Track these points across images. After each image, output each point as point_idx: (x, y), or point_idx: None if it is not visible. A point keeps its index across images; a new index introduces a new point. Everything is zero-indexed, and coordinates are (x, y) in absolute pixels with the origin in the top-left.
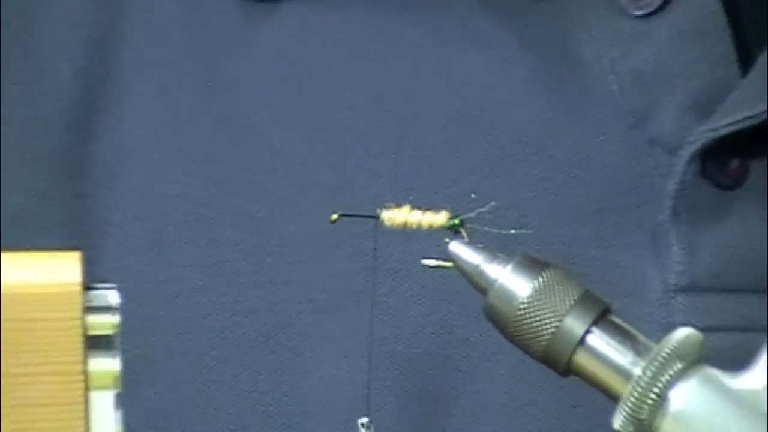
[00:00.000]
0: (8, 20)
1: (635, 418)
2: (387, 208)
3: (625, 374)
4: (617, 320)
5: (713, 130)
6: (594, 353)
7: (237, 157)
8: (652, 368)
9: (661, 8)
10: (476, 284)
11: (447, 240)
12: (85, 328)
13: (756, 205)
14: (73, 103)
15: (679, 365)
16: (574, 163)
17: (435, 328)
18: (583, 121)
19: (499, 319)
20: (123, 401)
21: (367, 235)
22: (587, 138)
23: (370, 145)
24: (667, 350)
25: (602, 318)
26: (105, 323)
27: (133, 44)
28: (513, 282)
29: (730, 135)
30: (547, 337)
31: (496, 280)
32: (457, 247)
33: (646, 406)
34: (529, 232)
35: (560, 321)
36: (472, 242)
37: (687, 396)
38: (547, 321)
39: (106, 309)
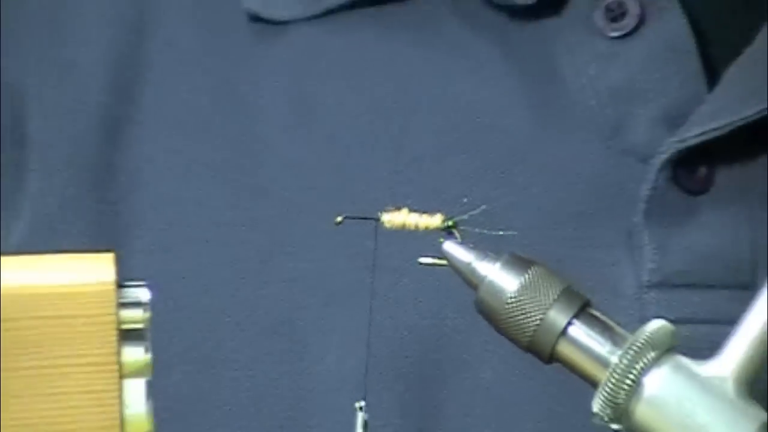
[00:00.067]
0: (45, 44)
1: (612, 401)
2: (387, 211)
3: (603, 362)
4: (596, 313)
5: (682, 140)
6: (575, 343)
7: (250, 166)
8: (628, 356)
9: (634, 30)
10: (468, 280)
11: (441, 240)
12: (118, 322)
13: (722, 209)
14: (102, 117)
15: (653, 354)
16: (555, 170)
17: (430, 320)
18: (563, 133)
19: (489, 312)
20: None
21: (368, 236)
22: (567, 148)
23: (371, 154)
24: (641, 340)
25: (582, 311)
26: (137, 317)
27: (156, 64)
28: (501, 278)
29: (698, 145)
30: (532, 328)
31: (486, 277)
32: (450, 247)
33: (622, 391)
34: (516, 233)
35: (544, 314)
36: (464, 242)
37: (660, 382)
38: (532, 314)
39: (138, 304)
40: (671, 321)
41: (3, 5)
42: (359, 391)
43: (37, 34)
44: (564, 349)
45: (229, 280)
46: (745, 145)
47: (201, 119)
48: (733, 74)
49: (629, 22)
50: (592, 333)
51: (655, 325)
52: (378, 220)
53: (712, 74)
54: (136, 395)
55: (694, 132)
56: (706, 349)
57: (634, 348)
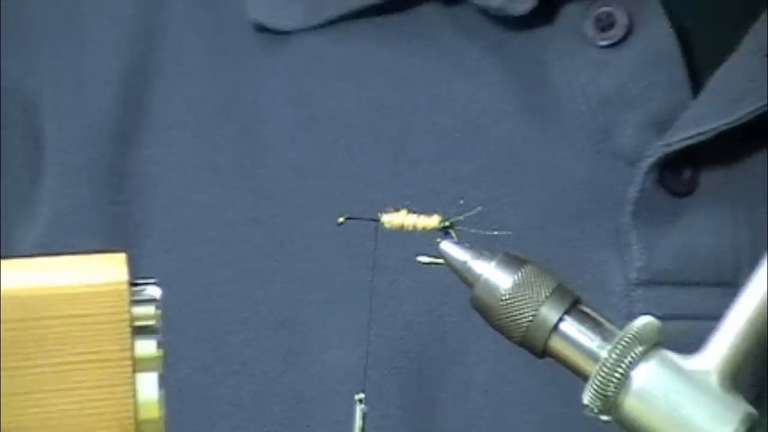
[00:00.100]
0: (60, 55)
1: (602, 394)
2: (386, 212)
3: (593, 356)
4: (586, 309)
5: (668, 144)
6: (566, 338)
7: (255, 169)
8: (617, 351)
9: (623, 40)
10: (464, 278)
11: (438, 240)
12: (131, 319)
13: (706, 210)
14: (114, 122)
15: (640, 348)
16: (548, 173)
17: (428, 316)
18: (555, 137)
19: (484, 309)
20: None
21: (368, 236)
22: (559, 152)
23: (371, 158)
24: (629, 335)
25: (573, 308)
26: (149, 314)
27: (166, 72)
28: (496, 276)
29: (683, 149)
30: (525, 324)
31: (481, 275)
32: (447, 246)
33: (611, 384)
34: (509, 233)
35: (537, 310)
36: (461, 242)
37: (647, 375)
38: (525, 310)
39: (150, 301)
40: (658, 317)
41: (20, 19)
42: (359, 385)
43: (52, 46)
44: (556, 344)
45: (234, 279)
46: (728, 149)
47: (208, 125)
48: (716, 82)
49: (618, 32)
50: (582, 328)
51: (643, 321)
52: (378, 220)
53: (697, 82)
54: (148, 388)
55: (679, 137)
56: (691, 344)
57: (623, 343)
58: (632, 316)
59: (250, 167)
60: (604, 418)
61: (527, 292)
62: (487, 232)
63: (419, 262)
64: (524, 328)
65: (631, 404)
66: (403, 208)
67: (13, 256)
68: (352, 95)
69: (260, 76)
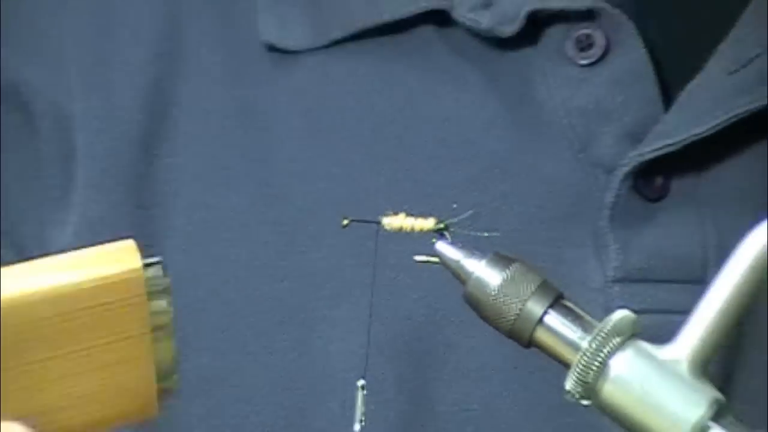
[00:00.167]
0: (89, 71)
1: (583, 381)
2: (386, 215)
3: (574, 346)
4: (568, 304)
5: (641, 155)
6: (550, 330)
7: (267, 176)
8: (596, 342)
9: (600, 59)
10: (457, 276)
11: (434, 240)
12: (148, 294)
13: (676, 214)
14: (139, 133)
15: (617, 339)
16: (532, 180)
17: (424, 310)
18: (539, 147)
19: (475, 303)
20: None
21: (370, 237)
22: (543, 160)
23: (373, 166)
24: (607, 328)
25: (556, 302)
26: (159, 282)
27: (186, 87)
28: (486, 274)
29: (655, 158)
30: (513, 317)
31: (473, 273)
32: (442, 246)
33: (591, 372)
34: (498, 234)
35: (523, 305)
36: (454, 242)
37: (624, 364)
38: (513, 305)
39: (159, 277)
40: (633, 311)
41: (54, 43)
42: (361, 372)
43: (83, 66)
44: (541, 335)
45: (248, 276)
46: (696, 158)
47: (225, 135)
48: (685, 97)
49: (596, 51)
50: (565, 321)
51: (619, 314)
52: (379, 223)
53: (667, 97)
54: (165, 355)
55: (651, 147)
56: (663, 335)
57: (602, 334)
58: (610, 310)
59: (262, 174)
60: (585, 402)
61: (514, 288)
62: (478, 234)
63: (416, 261)
64: (512, 321)
65: (609, 390)
66: (401, 211)
67: (45, 254)
68: (354, 109)
69: (271, 91)
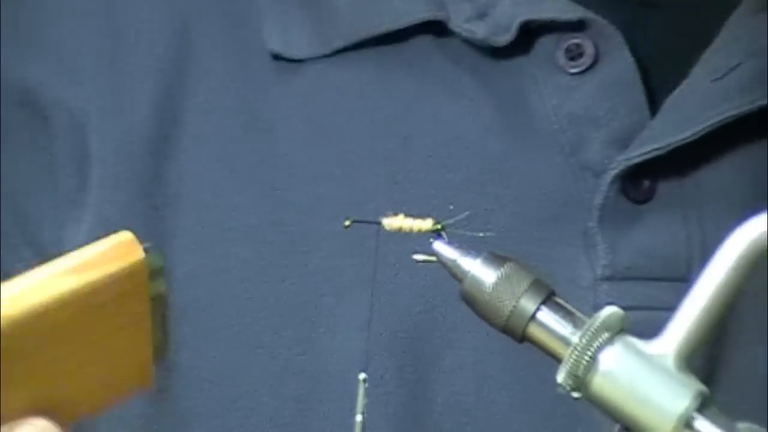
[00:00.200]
0: (104, 77)
1: (573, 374)
2: (386, 216)
3: (566, 341)
4: (560, 301)
5: (629, 159)
6: (542, 326)
7: (273, 178)
8: (586, 337)
9: (590, 67)
10: (454, 274)
11: (432, 240)
12: (149, 273)
13: (662, 215)
14: (151, 137)
15: (606, 335)
16: (525, 183)
17: (423, 307)
18: (531, 152)
19: (471, 300)
20: (188, 363)
21: (371, 237)
22: (535, 164)
23: (373, 169)
24: (597, 323)
25: (548, 299)
26: (156, 263)
27: (196, 93)
28: (481, 272)
29: (642, 162)
30: (507, 313)
31: (469, 271)
32: (439, 246)
33: (582, 365)
34: (493, 234)
35: (517, 301)
36: (451, 242)
37: (613, 358)
38: (507, 301)
39: (156, 259)
40: (621, 308)
41: (69, 50)
42: (362, 365)
43: (97, 73)
44: (533, 330)
45: (255, 274)
46: (681, 162)
47: (232, 139)
48: (670, 104)
49: (585, 60)
50: (556, 317)
51: (608, 311)
52: (379, 223)
53: (654, 104)
54: (161, 328)
55: (638, 152)
56: (650, 331)
57: (591, 330)
58: (599, 307)
59: (268, 177)
60: (575, 395)
61: (508, 286)
62: (474, 234)
63: (415, 259)
64: (506, 317)
65: (599, 383)
66: (401, 212)
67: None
68: (355, 115)
69: (277, 98)
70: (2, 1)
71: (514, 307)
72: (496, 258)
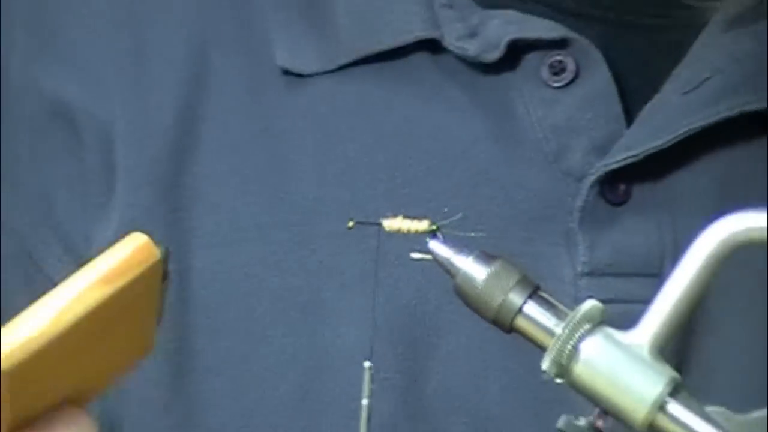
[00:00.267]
0: (128, 89)
1: (557, 362)
2: (386, 217)
3: (550, 332)
4: (544, 295)
5: (607, 165)
6: (529, 318)
7: (282, 183)
8: (569, 328)
9: (571, 82)
10: (448, 271)
11: (428, 240)
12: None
13: (637, 216)
14: (171, 145)
15: (587, 326)
16: (513, 187)
17: (419, 301)
18: (518, 159)
19: (463, 295)
20: (200, 353)
21: (372, 237)
22: (521, 170)
23: (374, 175)
24: (578, 316)
25: (534, 294)
26: (163, 253)
27: (212, 105)
28: (473, 269)
29: (619, 168)
30: (496, 307)
31: (461, 268)
32: (434, 245)
33: (564, 354)
34: (484, 235)
35: (505, 296)
36: (445, 241)
37: (593, 347)
38: (496, 296)
39: (161, 250)
40: (600, 301)
41: (95, 63)
42: (366, 355)
43: (121, 85)
44: (520, 322)
45: (264, 271)
46: (655, 168)
47: (245, 148)
48: (645, 115)
49: (567, 75)
50: (541, 310)
51: (588, 304)
52: (380, 224)
53: (630, 115)
54: (162, 299)
55: (615, 159)
56: (626, 322)
57: (573, 321)
58: (579, 301)
59: (277, 181)
60: (558, 380)
61: (498, 282)
62: (466, 234)
63: (412, 257)
64: (495, 310)
65: (580, 370)
66: (400, 214)
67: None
68: (358, 125)
69: (286, 110)
70: (35, 17)
71: (503, 301)
72: (486, 256)
